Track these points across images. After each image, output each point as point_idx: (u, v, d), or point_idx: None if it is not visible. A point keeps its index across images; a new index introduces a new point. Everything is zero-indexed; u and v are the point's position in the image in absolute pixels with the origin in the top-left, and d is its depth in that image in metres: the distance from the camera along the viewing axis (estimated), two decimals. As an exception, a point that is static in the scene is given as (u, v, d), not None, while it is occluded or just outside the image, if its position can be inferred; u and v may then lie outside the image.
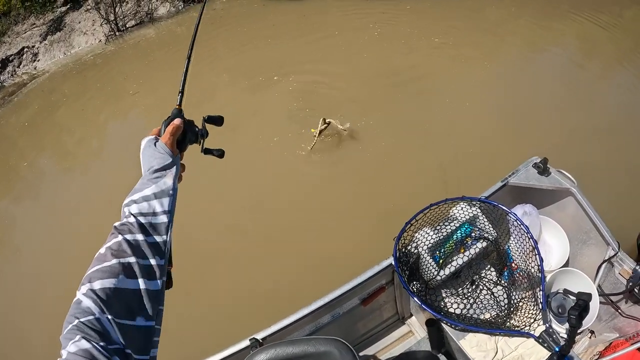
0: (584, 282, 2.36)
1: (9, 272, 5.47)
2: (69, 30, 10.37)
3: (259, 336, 2.17)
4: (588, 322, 2.24)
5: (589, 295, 2.10)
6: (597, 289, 2.39)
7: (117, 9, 9.84)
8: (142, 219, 0.97)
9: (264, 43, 7.79)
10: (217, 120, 1.27)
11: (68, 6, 10.83)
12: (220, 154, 1.26)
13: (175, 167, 1.07)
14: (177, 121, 1.14)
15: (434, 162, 4.77)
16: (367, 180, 4.79)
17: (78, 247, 5.00)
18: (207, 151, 1.25)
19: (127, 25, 10.08)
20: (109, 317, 0.81)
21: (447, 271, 2.12)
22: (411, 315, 2.84)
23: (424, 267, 2.14)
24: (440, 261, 2.14)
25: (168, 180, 1.04)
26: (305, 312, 2.21)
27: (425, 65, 6.27)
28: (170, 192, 1.03)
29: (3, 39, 10.78)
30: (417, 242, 2.15)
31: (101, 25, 9.98)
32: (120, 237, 0.92)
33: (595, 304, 2.29)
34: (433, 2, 7.66)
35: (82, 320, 0.79)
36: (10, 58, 10.30)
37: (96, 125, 7.46)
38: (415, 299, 1.97)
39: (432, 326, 2.33)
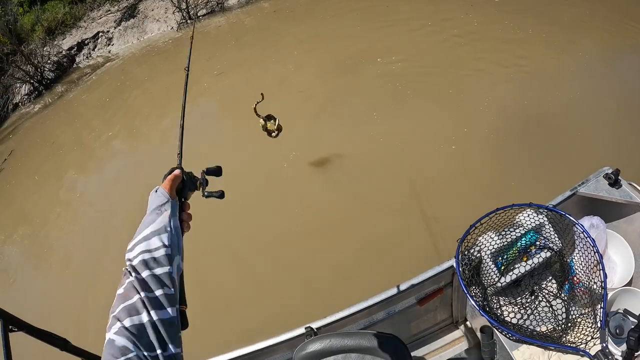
0: (646, 304, 2.28)
1: (73, 238, 5.81)
2: (142, 17, 10.81)
3: (314, 325, 2.22)
4: (646, 346, 2.16)
5: (652, 318, 2.02)
6: (659, 313, 2.30)
7: (189, -2, 10.16)
8: (145, 256, 1.05)
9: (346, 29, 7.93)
10: (216, 172, 1.42)
11: (142, -6, 11.29)
12: (219, 194, 1.39)
13: (171, 207, 1.19)
14: (176, 171, 1.29)
15: (500, 160, 4.72)
16: (436, 173, 4.82)
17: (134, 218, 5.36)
18: (208, 194, 1.39)
19: (199, 14, 10.40)
20: (145, 353, 0.88)
21: (508, 278, 2.10)
22: (465, 320, 2.82)
23: (485, 272, 2.13)
24: (502, 267, 2.12)
25: (164, 218, 1.15)
26: (362, 306, 2.25)
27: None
28: (168, 228, 1.13)
29: (79, 23, 11.36)
30: (480, 245, 2.14)
31: (173, 13, 10.37)
32: (131, 277, 1.01)
33: (655, 328, 2.20)
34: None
35: (121, 359, 0.85)
36: (86, 41, 10.86)
37: (169, 108, 7.75)
38: (474, 304, 1.97)
39: (486, 333, 2.31)
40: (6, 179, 7.72)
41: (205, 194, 1.39)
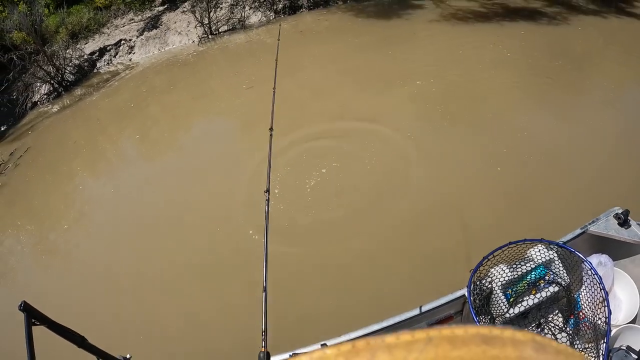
0: (649, 342, 2.33)
1: (83, 239, 5.90)
2: (165, 29, 11.00)
3: (329, 343, 2.27)
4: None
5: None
6: (662, 352, 2.35)
7: (211, 14, 10.37)
8: None
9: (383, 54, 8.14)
10: None
11: (165, 6, 11.51)
12: None
13: None
14: None
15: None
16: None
17: (145, 221, 5.61)
18: None
19: (220, 30, 10.62)
20: None
21: (516, 310, 2.17)
22: None
23: (495, 302, 2.20)
24: (512, 299, 2.20)
25: None
26: (374, 328, 2.31)
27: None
28: None
29: (102, 29, 11.57)
30: (491, 277, 2.22)
31: (195, 27, 10.56)
32: None
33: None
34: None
35: None
36: (108, 48, 11.05)
37: (188, 118, 7.91)
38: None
39: None
40: (22, 174, 7.82)
41: None
